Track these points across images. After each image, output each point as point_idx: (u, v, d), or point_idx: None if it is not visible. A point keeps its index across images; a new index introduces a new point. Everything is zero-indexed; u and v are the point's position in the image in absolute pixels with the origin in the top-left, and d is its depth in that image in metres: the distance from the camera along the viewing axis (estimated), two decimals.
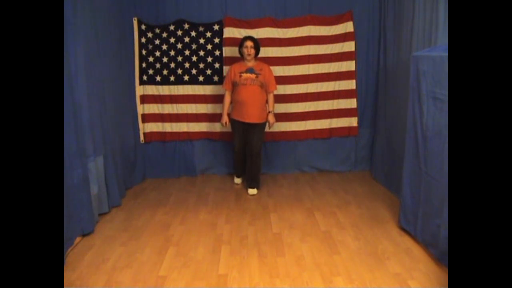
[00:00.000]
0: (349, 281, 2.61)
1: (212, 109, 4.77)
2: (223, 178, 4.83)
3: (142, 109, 4.74)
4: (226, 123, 4.24)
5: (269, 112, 4.19)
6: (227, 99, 4.22)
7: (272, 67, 4.29)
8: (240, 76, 4.06)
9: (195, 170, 4.91)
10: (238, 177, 4.58)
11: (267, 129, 4.28)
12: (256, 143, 4.18)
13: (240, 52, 4.14)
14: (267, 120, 4.20)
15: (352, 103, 4.82)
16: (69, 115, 2.96)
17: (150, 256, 2.99)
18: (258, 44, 4.13)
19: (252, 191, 4.26)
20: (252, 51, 4.06)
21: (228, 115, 4.26)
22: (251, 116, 4.08)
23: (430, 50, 2.95)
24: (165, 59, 4.68)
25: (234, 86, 4.12)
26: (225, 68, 4.68)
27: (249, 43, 4.05)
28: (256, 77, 4.05)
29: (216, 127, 4.80)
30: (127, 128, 4.43)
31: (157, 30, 4.61)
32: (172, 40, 4.64)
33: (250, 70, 4.07)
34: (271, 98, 4.18)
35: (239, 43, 4.15)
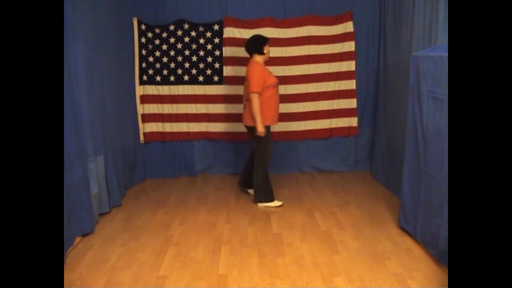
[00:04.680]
0: (349, 281, 2.61)
1: (212, 109, 4.77)
2: (223, 178, 4.83)
3: (142, 109, 4.74)
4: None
5: None
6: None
7: (272, 67, 4.27)
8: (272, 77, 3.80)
9: (195, 170, 4.91)
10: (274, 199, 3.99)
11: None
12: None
13: (263, 53, 3.81)
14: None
15: (352, 103, 4.82)
16: (69, 115, 2.96)
17: (150, 256, 2.99)
18: None
19: (251, 191, 4.20)
20: None
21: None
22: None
23: (430, 50, 2.95)
24: (165, 59, 4.68)
25: (265, 89, 3.71)
26: (225, 68, 4.68)
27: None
28: None
29: (216, 127, 4.80)
30: (127, 128, 4.43)
31: (157, 30, 4.61)
32: (172, 40, 4.64)
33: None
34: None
35: (264, 42, 3.81)
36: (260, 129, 3.67)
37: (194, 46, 4.65)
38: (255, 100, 3.64)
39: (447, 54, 2.54)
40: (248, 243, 3.17)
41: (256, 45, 3.79)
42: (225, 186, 4.54)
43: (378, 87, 4.63)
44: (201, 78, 4.72)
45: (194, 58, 4.68)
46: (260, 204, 3.95)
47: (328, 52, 4.69)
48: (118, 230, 3.44)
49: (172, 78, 4.71)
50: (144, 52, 4.64)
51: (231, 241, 3.21)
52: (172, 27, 4.61)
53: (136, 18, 4.55)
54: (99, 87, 3.62)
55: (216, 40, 4.66)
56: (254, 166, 3.95)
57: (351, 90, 4.79)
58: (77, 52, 3.17)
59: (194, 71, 4.70)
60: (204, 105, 4.77)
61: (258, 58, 3.80)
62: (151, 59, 4.66)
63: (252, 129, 3.77)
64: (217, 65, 4.70)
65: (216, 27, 4.63)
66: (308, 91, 4.76)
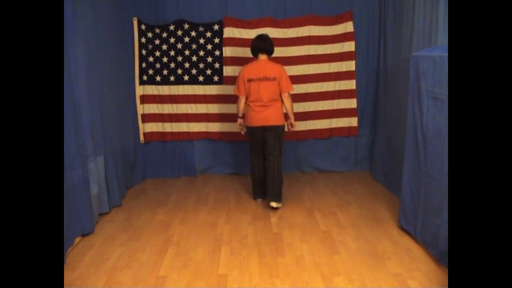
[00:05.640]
0: (349, 281, 2.61)
1: (212, 109, 4.77)
2: (223, 178, 4.83)
3: (142, 109, 4.74)
4: None
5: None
6: None
7: None
8: None
9: (195, 170, 4.91)
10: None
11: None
12: None
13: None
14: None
15: (352, 103, 4.82)
16: (69, 115, 2.96)
17: (150, 256, 2.99)
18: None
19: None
20: None
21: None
22: None
23: (430, 50, 2.95)
24: (165, 59, 4.68)
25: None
26: (225, 68, 4.68)
27: None
28: None
29: (216, 127, 4.80)
30: (127, 128, 4.43)
31: (157, 30, 4.61)
32: (172, 40, 4.64)
33: None
34: None
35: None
36: (295, 124, 3.98)
37: (194, 46, 4.65)
38: (290, 98, 3.89)
39: (447, 54, 2.54)
40: (248, 243, 3.17)
41: (272, 46, 3.83)
42: (225, 186, 4.54)
43: (378, 87, 4.63)
44: (201, 78, 4.72)
45: (194, 58, 4.68)
46: (277, 205, 3.80)
47: (328, 52, 4.69)
48: (118, 230, 3.44)
49: (172, 78, 4.71)
50: (144, 52, 4.65)
51: (231, 241, 3.21)
52: (172, 27, 4.61)
53: (136, 18, 4.55)
54: (99, 87, 3.62)
55: (216, 40, 4.66)
56: (270, 173, 3.81)
57: (351, 90, 4.79)
58: (77, 52, 3.17)
59: (194, 71, 4.70)
60: (204, 105, 4.77)
61: (265, 58, 3.80)
62: (151, 59, 4.67)
63: (278, 129, 3.81)
64: (217, 65, 4.70)
65: (216, 27, 4.63)
66: (308, 91, 4.76)
